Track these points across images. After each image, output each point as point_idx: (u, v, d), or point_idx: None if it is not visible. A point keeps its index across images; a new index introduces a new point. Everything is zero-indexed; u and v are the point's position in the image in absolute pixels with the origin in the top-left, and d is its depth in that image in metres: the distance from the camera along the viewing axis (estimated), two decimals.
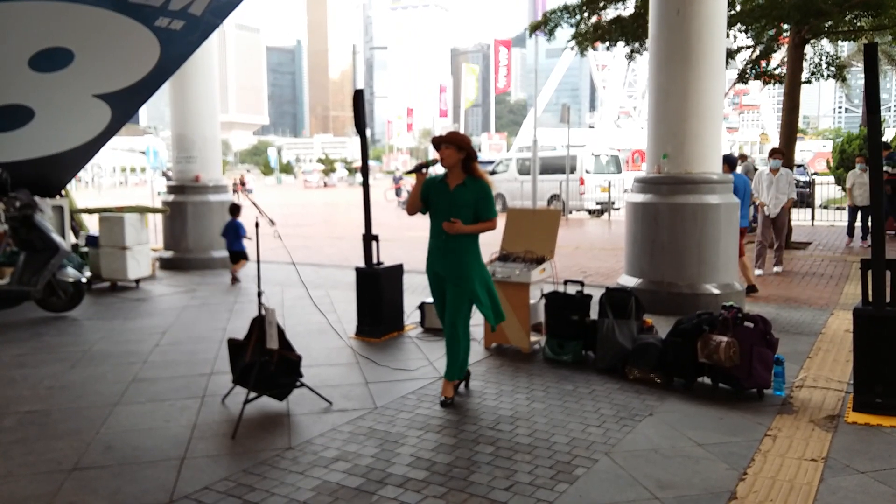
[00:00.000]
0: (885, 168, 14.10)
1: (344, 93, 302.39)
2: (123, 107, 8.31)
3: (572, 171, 22.41)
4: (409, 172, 4.88)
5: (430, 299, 7.07)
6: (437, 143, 4.67)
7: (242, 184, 39.54)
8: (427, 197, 4.72)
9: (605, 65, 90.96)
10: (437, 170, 4.96)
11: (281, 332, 4.62)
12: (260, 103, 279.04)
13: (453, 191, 4.64)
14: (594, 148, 25.00)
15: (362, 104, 6.58)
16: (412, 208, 4.78)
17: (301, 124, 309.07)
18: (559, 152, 23.98)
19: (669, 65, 7.33)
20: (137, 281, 9.62)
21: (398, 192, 32.59)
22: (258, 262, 5.06)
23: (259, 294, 4.85)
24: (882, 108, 5.32)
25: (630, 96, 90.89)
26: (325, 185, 65.37)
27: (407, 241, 15.75)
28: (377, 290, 6.56)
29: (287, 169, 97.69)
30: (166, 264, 11.14)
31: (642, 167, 33.71)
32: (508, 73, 41.64)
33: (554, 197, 22.39)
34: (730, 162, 8.37)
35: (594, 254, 12.92)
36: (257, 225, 4.87)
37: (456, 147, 4.61)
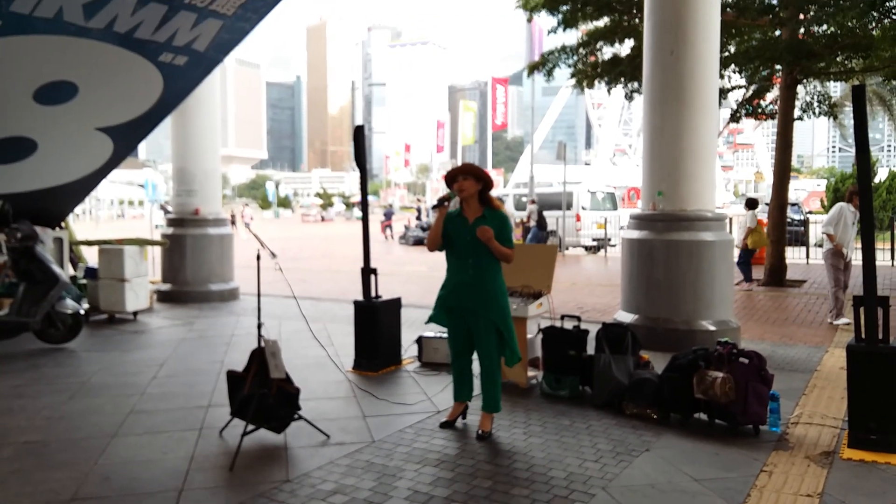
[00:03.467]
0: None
1: (342, 128, 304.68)
2: (125, 140, 8.42)
3: (569, 207, 22.57)
4: (434, 206, 4.92)
5: (428, 333, 7.10)
6: (454, 175, 4.66)
7: (242, 215, 39.59)
8: (446, 232, 4.71)
9: (600, 103, 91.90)
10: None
11: (282, 365, 4.65)
12: (259, 138, 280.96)
13: (473, 224, 4.64)
14: (590, 185, 25.24)
15: (363, 139, 6.70)
16: (433, 244, 4.74)
17: (299, 159, 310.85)
18: (556, 188, 24.18)
19: (664, 104, 7.47)
20: (135, 313, 9.63)
21: (388, 229, 32.40)
22: (258, 294, 5.10)
23: (259, 326, 4.89)
24: (874, 147, 5.45)
25: (626, 134, 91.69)
26: (323, 219, 65.56)
27: (404, 275, 15.79)
28: (375, 323, 6.59)
29: (285, 203, 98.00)
30: (164, 297, 11.17)
31: (638, 204, 33.93)
32: (506, 110, 42.25)
33: (550, 233, 22.53)
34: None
35: (591, 289, 12.97)
36: (258, 258, 4.93)
37: (474, 178, 4.64)
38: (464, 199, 4.69)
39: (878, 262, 6.06)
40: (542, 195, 23.92)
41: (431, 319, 4.82)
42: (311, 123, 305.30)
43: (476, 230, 4.54)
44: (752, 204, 13.72)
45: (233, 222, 40.35)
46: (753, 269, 13.55)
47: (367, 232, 6.92)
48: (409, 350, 7.19)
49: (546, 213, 22.62)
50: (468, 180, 4.62)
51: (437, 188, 61.81)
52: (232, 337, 8.35)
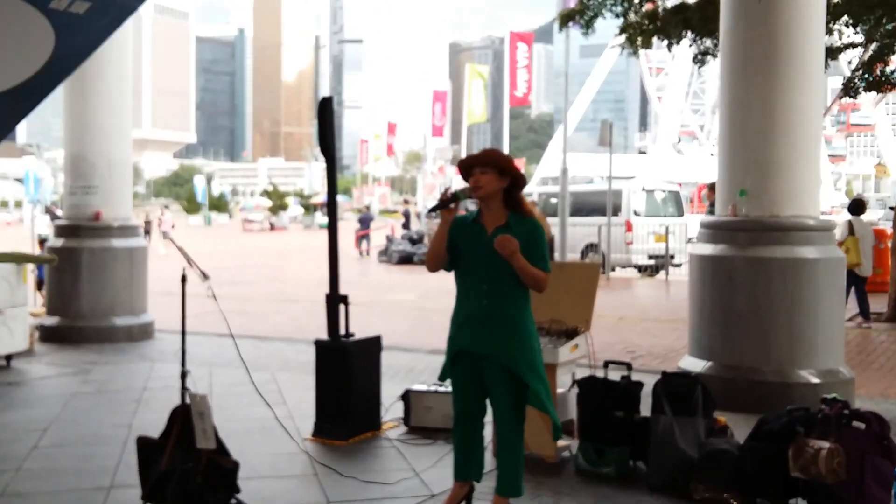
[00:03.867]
0: None
1: (301, 101, 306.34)
2: (0, 117, 8.45)
3: (616, 212, 22.64)
4: (434, 209, 4.73)
5: (418, 386, 7.10)
6: (469, 165, 4.62)
7: (160, 222, 39.59)
8: (455, 244, 4.63)
9: (660, 68, 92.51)
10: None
11: (214, 430, 4.66)
12: (185, 115, 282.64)
13: (493, 235, 4.54)
14: (646, 181, 25.29)
15: (331, 117, 6.74)
16: (434, 261, 4.71)
17: (241, 144, 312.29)
18: (598, 186, 24.25)
19: (748, 70, 7.52)
20: (9, 357, 9.63)
21: (363, 241, 32.35)
22: (182, 332, 5.11)
23: (183, 376, 4.91)
24: None
25: (696, 111, 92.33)
26: (273, 227, 65.67)
27: (385, 305, 15.78)
28: (345, 372, 6.60)
29: (220, 205, 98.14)
30: (50, 335, 11.15)
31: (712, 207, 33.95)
32: (529, 77, 42.24)
33: (590, 247, 22.55)
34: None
35: (646, 326, 12.96)
36: (184, 280, 4.95)
37: (497, 171, 4.56)
38: (481, 200, 4.64)
39: None
40: (580, 195, 23.98)
41: (444, 375, 4.81)
42: (257, 95, 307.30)
43: (494, 241, 4.46)
44: (856, 207, 13.74)
45: (147, 231, 40.45)
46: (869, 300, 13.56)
47: (336, 245, 6.94)
48: (391, 410, 7.19)
49: (584, 220, 22.68)
50: (487, 173, 4.55)
51: (432, 185, 61.89)
52: (144, 391, 8.33)
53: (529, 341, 4.60)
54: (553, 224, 23.25)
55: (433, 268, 4.75)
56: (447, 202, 4.62)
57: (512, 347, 4.55)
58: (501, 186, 4.58)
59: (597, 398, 5.81)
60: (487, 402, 4.79)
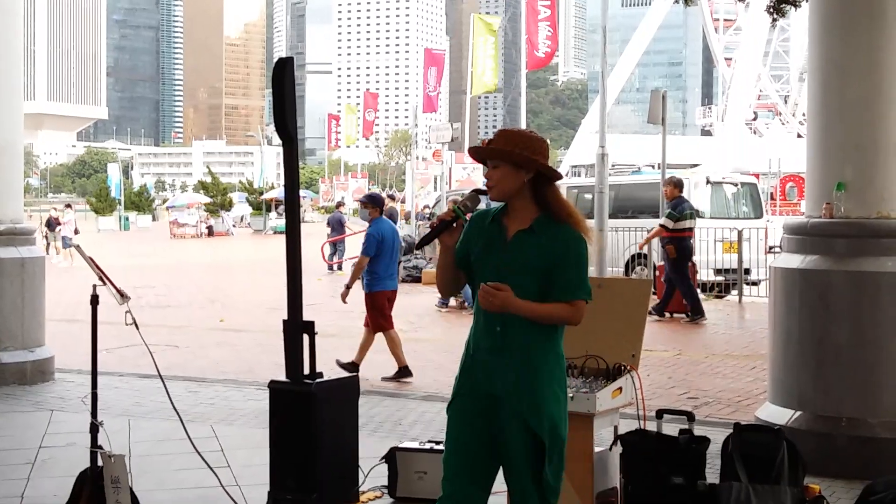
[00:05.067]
0: (662, 222, 17.49)
1: (248, 64, 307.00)
2: None
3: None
4: (424, 242, 4.81)
5: (408, 443, 7.09)
6: (482, 158, 4.60)
7: (60, 223, 39.50)
8: (468, 253, 4.58)
9: (730, 20, 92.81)
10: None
11: (134, 501, 4.66)
12: (93, 84, 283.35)
13: (512, 241, 4.50)
14: (712, 170, 25.31)
15: (290, 86, 6.75)
16: (446, 283, 4.75)
17: (169, 122, 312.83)
18: (647, 178, 24.23)
19: (847, 22, 7.54)
20: None
21: (333, 251, 32.25)
22: (93, 371, 5.12)
23: (93, 429, 4.91)
24: None
25: (778, 78, 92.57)
26: (211, 231, 65.68)
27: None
28: (309, 425, 6.59)
29: (140, 202, 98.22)
30: None
31: (801, 206, 33.99)
32: (554, 33, 42.30)
33: (637, 259, 22.53)
34: (376, 202, 11.92)
35: (712, 364, 12.97)
36: (95, 301, 4.95)
37: (511, 164, 4.47)
38: (502, 201, 4.57)
39: None
40: (623, 189, 23.97)
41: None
42: (190, 56, 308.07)
43: (479, 294, 4.35)
44: None
45: (47, 237, 40.25)
46: None
47: (297, 256, 6.94)
48: (371, 475, 7.19)
49: (629, 223, 22.64)
50: (500, 168, 4.48)
51: (425, 176, 61.89)
52: (40, 450, 8.31)
53: (554, 389, 4.49)
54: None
55: (446, 293, 4.76)
56: (444, 226, 4.56)
57: (531, 391, 4.43)
58: (521, 182, 4.48)
59: (647, 459, 5.81)
60: (494, 474, 4.61)
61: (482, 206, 4.73)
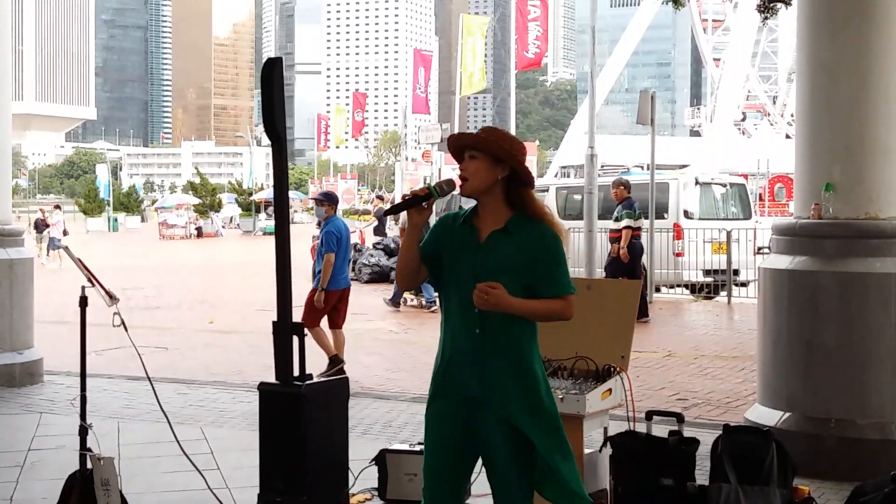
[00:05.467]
0: (625, 223, 18.00)
1: (238, 64, 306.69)
2: None
3: (660, 213, 22.67)
4: (395, 210, 4.77)
5: (398, 445, 7.09)
6: (459, 146, 4.55)
7: (48, 224, 39.38)
8: (437, 252, 4.55)
9: (719, 21, 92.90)
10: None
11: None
12: (82, 83, 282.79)
13: (486, 242, 4.47)
14: (701, 171, 25.34)
15: (278, 86, 6.74)
16: (406, 278, 4.66)
17: (158, 122, 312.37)
18: (636, 178, 24.19)
19: (835, 22, 7.54)
20: None
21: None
22: (82, 374, 5.11)
23: (82, 432, 4.90)
24: None
25: (766, 78, 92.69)
26: (201, 232, 65.56)
27: (353, 337, 15.75)
28: (299, 427, 6.58)
29: (129, 203, 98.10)
30: None
31: (789, 207, 34.03)
32: (544, 33, 42.32)
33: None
34: (332, 200, 12.54)
35: (701, 365, 13.00)
36: (84, 303, 4.94)
37: (490, 157, 4.45)
38: (472, 196, 4.58)
39: None
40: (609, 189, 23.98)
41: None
42: (179, 57, 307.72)
43: (475, 293, 4.28)
44: None
45: (39, 238, 40.04)
46: None
47: (286, 257, 6.93)
48: (361, 477, 7.18)
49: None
50: (477, 160, 4.46)
51: (414, 177, 61.90)
52: (29, 453, 8.30)
53: (542, 384, 4.48)
54: (576, 229, 23.30)
55: (406, 285, 4.73)
56: (416, 200, 4.51)
57: (514, 393, 4.40)
58: (496, 179, 4.46)
59: (637, 461, 5.82)
60: (469, 477, 4.64)
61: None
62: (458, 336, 4.47)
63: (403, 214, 6.24)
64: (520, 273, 4.38)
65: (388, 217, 32.90)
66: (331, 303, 11.85)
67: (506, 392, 4.38)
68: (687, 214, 22.96)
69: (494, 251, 4.40)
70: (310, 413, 6.61)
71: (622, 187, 18.81)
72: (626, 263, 17.91)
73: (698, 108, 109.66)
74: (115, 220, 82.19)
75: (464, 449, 4.48)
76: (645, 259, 21.95)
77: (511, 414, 4.36)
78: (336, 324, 12.10)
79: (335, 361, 11.76)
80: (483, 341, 4.41)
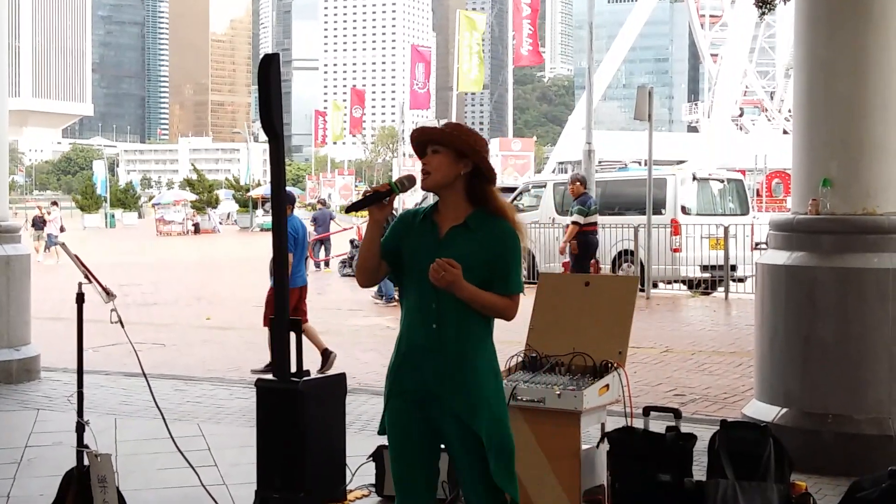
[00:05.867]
0: (573, 218, 18.40)
1: (235, 60, 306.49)
2: None
3: (658, 208, 22.68)
4: (354, 207, 4.76)
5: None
6: (423, 140, 4.54)
7: (45, 221, 39.33)
8: (397, 248, 4.56)
9: (716, 16, 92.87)
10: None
11: (121, 502, 4.65)
12: (79, 80, 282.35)
13: (445, 238, 4.48)
14: (698, 167, 25.33)
15: (276, 82, 6.74)
16: (364, 273, 4.62)
17: (154, 119, 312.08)
18: (633, 174, 24.23)
19: (833, 18, 7.54)
20: None
21: (320, 248, 32.27)
22: (79, 370, 5.10)
23: (79, 429, 4.89)
24: None
25: (764, 74, 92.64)
26: (198, 229, 65.55)
27: (350, 333, 15.75)
28: (296, 423, 6.58)
29: (126, 200, 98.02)
30: None
31: (787, 203, 34.03)
32: (534, 31, 42.33)
33: (624, 255, 22.54)
34: (289, 199, 12.32)
35: (699, 361, 13.02)
36: (81, 299, 4.94)
37: (454, 151, 4.45)
38: (433, 191, 4.57)
39: None
40: (609, 186, 23.98)
41: (383, 426, 4.64)
42: (176, 53, 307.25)
43: (433, 267, 4.28)
44: None
45: (37, 235, 40.01)
46: None
47: (284, 254, 6.93)
48: (358, 473, 7.18)
49: (616, 219, 22.67)
50: (440, 154, 4.46)
51: (413, 171, 62.03)
52: (26, 450, 8.30)
53: (493, 380, 4.48)
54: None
55: (363, 281, 4.66)
56: (377, 196, 4.48)
57: (468, 390, 4.40)
58: (458, 174, 4.46)
59: (634, 457, 5.81)
60: (438, 471, 4.64)
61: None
62: (415, 331, 4.49)
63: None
64: (479, 268, 4.38)
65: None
66: (291, 302, 11.91)
67: (457, 387, 4.39)
68: (684, 210, 22.95)
69: (454, 246, 4.39)
70: (307, 409, 6.61)
71: (578, 183, 19.17)
72: (576, 257, 18.25)
73: (696, 104, 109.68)
74: (112, 216, 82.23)
75: (427, 445, 4.51)
76: (642, 254, 22.03)
77: (461, 409, 4.38)
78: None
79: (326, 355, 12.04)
80: (438, 336, 4.42)
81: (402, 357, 4.51)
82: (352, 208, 4.83)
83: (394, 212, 4.86)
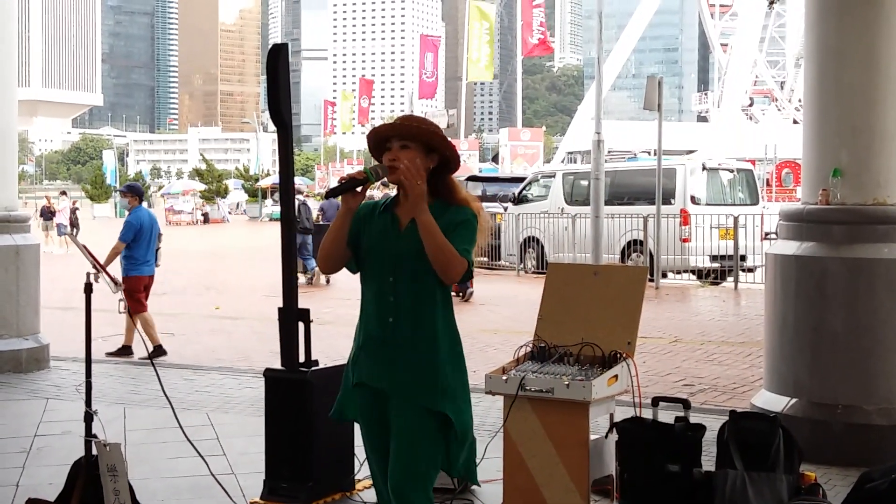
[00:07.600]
0: None
1: (244, 51, 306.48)
2: None
3: (667, 198, 22.65)
4: (333, 193, 4.68)
5: None
6: (384, 137, 4.52)
7: (54, 211, 39.35)
8: (356, 240, 4.55)
9: (727, 5, 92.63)
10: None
11: (130, 491, 4.65)
12: (88, 70, 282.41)
13: (406, 230, 4.46)
14: (708, 157, 25.26)
15: (285, 72, 6.73)
16: (328, 260, 4.60)
17: (164, 108, 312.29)
18: (643, 164, 24.17)
19: (843, 8, 7.52)
20: None
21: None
22: (87, 360, 5.10)
23: (87, 418, 4.89)
24: None
25: (774, 64, 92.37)
26: (207, 218, 65.61)
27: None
28: (305, 413, 6.58)
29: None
30: None
31: (797, 193, 33.98)
32: (546, 20, 42.29)
33: (633, 246, 22.52)
34: (136, 192, 13.30)
35: (708, 351, 13.00)
36: (89, 289, 4.93)
37: (422, 145, 4.45)
38: (399, 185, 4.51)
39: None
40: (619, 176, 23.95)
41: (336, 411, 4.67)
42: (186, 43, 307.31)
43: (399, 171, 4.31)
44: None
45: (46, 226, 40.04)
46: None
47: (292, 244, 6.93)
48: (366, 463, 7.17)
49: (625, 209, 22.63)
50: (409, 149, 4.42)
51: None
52: (35, 438, 8.32)
53: (453, 365, 4.47)
54: (583, 215, 23.28)
55: (326, 268, 4.63)
56: (352, 184, 4.43)
57: (423, 379, 4.40)
58: (427, 168, 4.44)
59: (643, 447, 5.81)
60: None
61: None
62: (372, 323, 4.50)
63: None
64: None
65: None
66: (139, 288, 12.69)
67: (415, 379, 4.40)
68: (694, 200, 22.93)
69: (414, 237, 4.34)
70: (316, 399, 6.60)
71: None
72: None
73: (706, 94, 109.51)
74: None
75: (381, 433, 4.50)
76: (651, 244, 22.03)
77: (420, 400, 4.38)
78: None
79: (158, 350, 12.44)
80: (395, 328, 4.42)
81: (359, 349, 4.54)
82: (329, 194, 4.82)
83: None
